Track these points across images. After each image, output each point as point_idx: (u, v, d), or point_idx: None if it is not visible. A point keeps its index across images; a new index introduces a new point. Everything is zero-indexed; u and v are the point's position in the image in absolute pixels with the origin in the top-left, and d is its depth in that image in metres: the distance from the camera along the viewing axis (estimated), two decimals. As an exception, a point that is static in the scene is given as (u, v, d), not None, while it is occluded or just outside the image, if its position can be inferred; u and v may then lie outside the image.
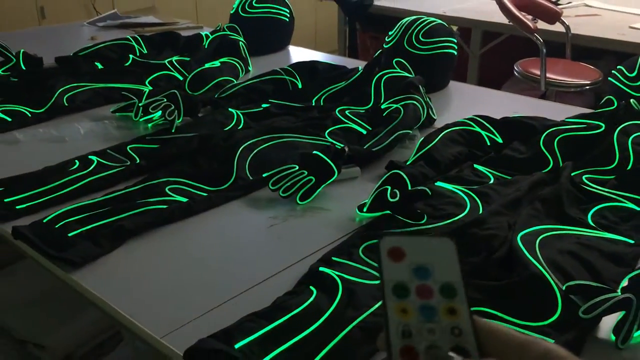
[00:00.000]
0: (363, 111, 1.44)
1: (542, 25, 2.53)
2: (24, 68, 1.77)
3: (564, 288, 0.80)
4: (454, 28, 3.29)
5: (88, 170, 1.17)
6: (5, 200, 1.06)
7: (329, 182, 1.11)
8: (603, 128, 1.21)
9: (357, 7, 3.12)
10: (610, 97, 1.27)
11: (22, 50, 1.80)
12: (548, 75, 2.38)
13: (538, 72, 2.40)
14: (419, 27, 1.64)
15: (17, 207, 1.05)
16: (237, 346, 0.72)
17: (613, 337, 0.76)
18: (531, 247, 0.89)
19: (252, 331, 0.75)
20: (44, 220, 1.00)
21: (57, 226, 0.98)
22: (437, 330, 0.37)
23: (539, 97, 2.15)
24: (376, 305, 0.79)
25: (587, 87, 2.38)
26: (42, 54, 1.85)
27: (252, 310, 0.78)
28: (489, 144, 1.27)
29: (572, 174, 1.12)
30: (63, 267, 0.90)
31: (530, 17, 2.48)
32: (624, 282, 0.84)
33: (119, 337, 1.39)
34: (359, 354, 0.72)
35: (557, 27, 2.52)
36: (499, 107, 1.47)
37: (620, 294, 0.76)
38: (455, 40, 1.69)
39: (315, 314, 0.78)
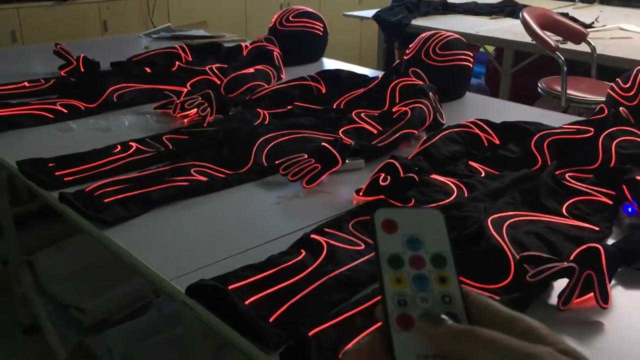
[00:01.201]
0: (377, 114, 1.58)
1: (570, 45, 2.61)
2: (82, 70, 2.00)
3: (518, 258, 0.91)
4: (490, 49, 3.39)
5: (127, 153, 1.35)
6: (56, 173, 1.25)
7: (333, 170, 1.25)
8: (592, 133, 1.31)
9: (395, 27, 3.27)
10: (603, 105, 1.36)
11: (82, 55, 2.02)
12: (572, 92, 2.46)
13: (560, 89, 2.48)
14: (436, 40, 1.78)
15: (65, 179, 1.23)
16: (230, 287, 0.86)
17: (558, 301, 0.86)
18: (498, 227, 1.00)
19: (245, 278, 0.89)
20: (86, 190, 1.17)
21: (96, 194, 1.15)
22: (429, 298, 0.39)
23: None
24: (353, 264, 0.92)
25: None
26: (101, 60, 2.06)
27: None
28: (486, 144, 1.39)
29: (557, 172, 1.22)
30: (98, 226, 1.07)
31: (558, 38, 2.57)
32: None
33: (149, 307, 1.56)
34: (332, 298, 0.86)
35: (586, 48, 2.60)
36: (507, 116, 1.58)
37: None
38: (471, 54, 1.81)
39: (300, 268, 0.91)
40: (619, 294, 0.90)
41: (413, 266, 0.40)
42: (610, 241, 1.03)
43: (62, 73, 2.00)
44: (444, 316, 0.39)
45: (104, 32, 3.55)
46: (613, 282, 0.91)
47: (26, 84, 1.85)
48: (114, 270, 1.58)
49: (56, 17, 3.42)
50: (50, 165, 1.29)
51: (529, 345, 0.36)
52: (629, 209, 1.11)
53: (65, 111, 1.64)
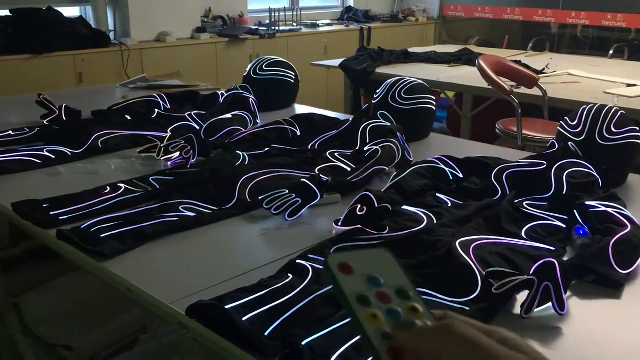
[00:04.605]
0: (350, 153, 1.70)
1: (523, 89, 2.81)
2: (64, 119, 2.07)
3: (485, 274, 1.02)
4: (450, 94, 3.59)
5: (117, 193, 1.43)
6: (51, 213, 1.32)
7: (312, 203, 1.36)
8: (545, 165, 1.45)
9: (360, 75, 3.45)
10: (554, 141, 1.51)
11: (64, 105, 2.11)
12: (528, 132, 2.64)
13: (516, 129, 2.66)
14: (401, 85, 1.92)
15: (60, 218, 1.31)
16: (226, 307, 0.94)
17: (521, 310, 0.97)
18: (465, 248, 1.11)
19: (239, 299, 0.97)
20: (81, 227, 1.25)
21: (91, 230, 1.23)
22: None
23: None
24: (336, 284, 1.02)
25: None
26: (80, 109, 2.14)
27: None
28: (451, 178, 1.51)
29: (515, 201, 1.35)
30: (96, 259, 1.14)
31: (512, 83, 2.77)
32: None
33: (137, 343, 1.61)
34: (320, 313, 0.94)
35: (538, 92, 2.79)
36: (468, 154, 1.71)
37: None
38: (433, 97, 1.96)
39: (289, 289, 1.00)
40: (573, 302, 1.01)
41: (382, 301, 0.42)
42: (565, 259, 1.15)
43: (45, 122, 2.07)
44: (417, 321, 0.41)
45: (79, 83, 3.64)
46: (568, 293, 1.03)
47: (11, 132, 1.92)
48: (101, 309, 1.63)
49: (32, 69, 3.50)
50: (44, 205, 1.36)
51: (509, 352, 0.37)
52: (581, 231, 1.23)
53: (53, 157, 1.71)
